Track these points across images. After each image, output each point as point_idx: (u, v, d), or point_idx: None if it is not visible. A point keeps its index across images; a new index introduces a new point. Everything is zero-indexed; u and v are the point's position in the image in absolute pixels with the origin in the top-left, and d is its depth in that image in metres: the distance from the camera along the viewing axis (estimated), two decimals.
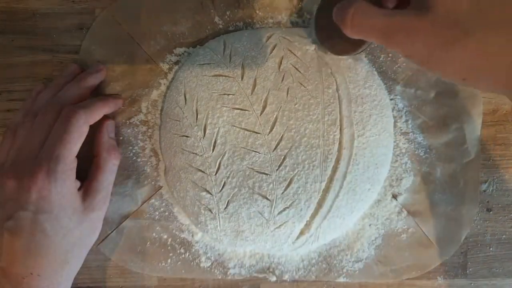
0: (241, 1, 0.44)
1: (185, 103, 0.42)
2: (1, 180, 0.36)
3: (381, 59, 0.44)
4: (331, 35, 0.39)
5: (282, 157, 0.40)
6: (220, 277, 0.44)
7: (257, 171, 0.40)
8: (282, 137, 0.41)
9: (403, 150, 0.44)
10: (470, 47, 0.26)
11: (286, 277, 0.44)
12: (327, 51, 0.42)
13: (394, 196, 0.44)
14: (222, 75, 0.42)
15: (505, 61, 0.26)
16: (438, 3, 0.27)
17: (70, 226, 0.37)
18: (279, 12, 0.44)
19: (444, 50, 0.27)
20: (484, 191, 0.44)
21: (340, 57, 0.42)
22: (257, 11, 0.44)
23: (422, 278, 0.44)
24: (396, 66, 0.44)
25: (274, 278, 0.44)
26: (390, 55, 0.44)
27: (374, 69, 0.44)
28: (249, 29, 0.44)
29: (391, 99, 0.44)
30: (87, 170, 0.40)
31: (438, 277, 0.44)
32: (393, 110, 0.44)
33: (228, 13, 0.44)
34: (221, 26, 0.44)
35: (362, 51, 0.39)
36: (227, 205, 0.41)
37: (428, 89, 0.44)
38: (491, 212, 0.44)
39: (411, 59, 0.30)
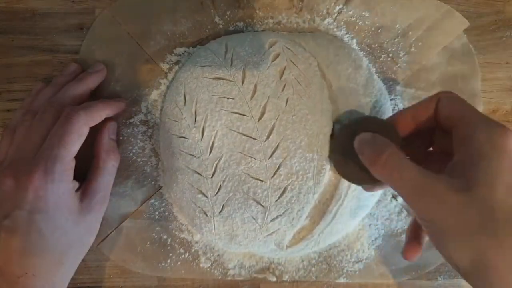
0: (241, 1, 0.44)
1: (184, 104, 0.42)
2: None
3: (381, 59, 0.44)
4: (347, 161, 0.36)
5: (277, 166, 0.40)
6: (220, 278, 0.43)
7: (252, 177, 0.40)
8: (278, 145, 0.40)
9: None
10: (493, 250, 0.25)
11: (286, 277, 0.43)
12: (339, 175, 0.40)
13: (394, 196, 0.44)
14: (222, 78, 0.41)
15: None
16: (479, 187, 0.25)
17: (66, 226, 0.36)
18: (280, 12, 0.44)
19: (468, 239, 0.25)
20: None
21: (340, 76, 0.41)
22: (257, 11, 0.44)
23: (422, 278, 0.44)
24: (396, 66, 0.44)
25: (274, 279, 0.43)
26: (390, 55, 0.44)
27: (374, 70, 0.44)
28: (250, 30, 0.44)
29: (391, 99, 0.44)
30: (86, 171, 0.40)
31: (438, 277, 0.44)
32: (393, 110, 0.44)
33: (228, 13, 0.44)
34: (221, 26, 0.44)
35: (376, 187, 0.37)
36: (222, 209, 0.40)
37: (428, 89, 0.44)
38: None
39: (429, 224, 0.28)
